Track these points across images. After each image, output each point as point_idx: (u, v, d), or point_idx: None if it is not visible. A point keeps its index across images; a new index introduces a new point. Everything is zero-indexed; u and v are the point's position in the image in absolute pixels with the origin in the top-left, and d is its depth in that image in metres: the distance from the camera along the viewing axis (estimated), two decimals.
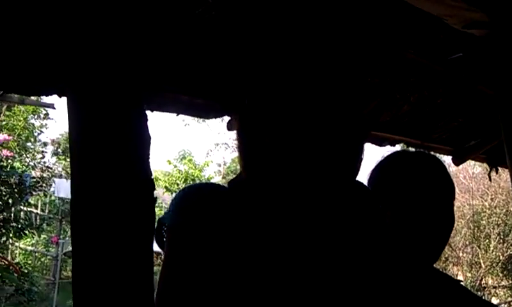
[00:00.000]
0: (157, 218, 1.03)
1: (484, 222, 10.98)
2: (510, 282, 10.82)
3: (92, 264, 1.01)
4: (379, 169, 1.38)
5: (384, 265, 1.02)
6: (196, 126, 22.60)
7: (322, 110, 0.88)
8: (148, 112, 1.53)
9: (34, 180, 7.05)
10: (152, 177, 1.08)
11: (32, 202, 10.21)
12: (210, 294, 0.90)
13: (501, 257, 10.75)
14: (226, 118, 1.92)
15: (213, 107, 1.81)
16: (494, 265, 10.78)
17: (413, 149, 2.68)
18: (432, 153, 2.86)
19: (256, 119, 0.93)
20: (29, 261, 12.79)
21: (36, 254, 13.45)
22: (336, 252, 0.95)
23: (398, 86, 2.19)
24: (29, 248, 13.09)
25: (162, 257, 0.97)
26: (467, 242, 11.00)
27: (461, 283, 1.43)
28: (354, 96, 0.93)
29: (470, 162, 11.61)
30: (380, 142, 2.62)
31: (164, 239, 0.97)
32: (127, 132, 1.02)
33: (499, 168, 3.26)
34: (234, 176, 1.08)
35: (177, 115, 1.77)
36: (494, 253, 10.74)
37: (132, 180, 1.04)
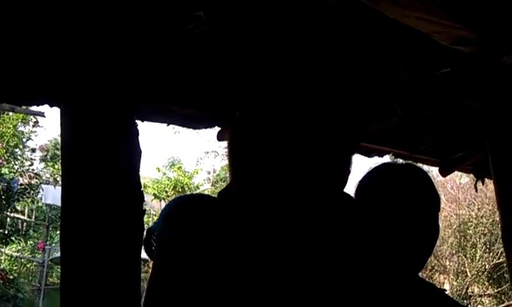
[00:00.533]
0: (145, 226, 1.04)
1: (470, 231, 11.09)
2: (495, 290, 10.92)
3: (81, 271, 1.01)
4: (366, 181, 1.40)
5: (370, 274, 1.04)
6: (186, 133, 22.60)
7: (312, 124, 0.90)
8: (138, 122, 1.55)
9: (22, 186, 7.00)
10: (142, 190, 1.09)
11: (19, 208, 10.12)
12: (197, 305, 0.90)
13: (487, 266, 10.85)
14: (217, 128, 1.93)
15: (204, 117, 1.82)
16: (480, 273, 10.88)
17: (400, 161, 2.71)
18: (419, 164, 2.90)
19: (247, 133, 0.95)
20: (15, 268, 12.64)
21: (22, 260, 13.29)
22: (324, 263, 0.97)
23: (387, 99, 2.23)
24: (15, 254, 12.94)
25: (151, 265, 0.98)
26: (453, 251, 11.09)
27: (446, 292, 1.46)
28: (343, 110, 0.95)
29: (458, 173, 11.70)
30: (368, 154, 2.65)
31: (153, 248, 0.98)
32: (119, 144, 1.03)
33: (485, 179, 3.31)
34: (224, 183, 1.09)
35: (168, 125, 1.78)
36: (480, 262, 10.84)
37: (122, 191, 1.05)
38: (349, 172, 0.95)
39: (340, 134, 0.93)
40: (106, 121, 1.04)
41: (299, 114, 0.90)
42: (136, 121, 1.14)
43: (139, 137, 1.10)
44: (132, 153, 1.07)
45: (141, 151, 1.08)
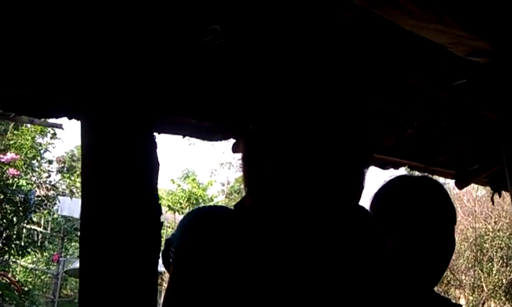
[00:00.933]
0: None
1: (487, 245, 10.93)
2: None
3: (98, 281, 1.02)
4: (382, 194, 1.40)
5: (386, 288, 1.03)
6: (201, 145, 22.69)
7: (327, 137, 0.90)
8: (155, 134, 1.56)
9: (39, 198, 7.08)
10: (159, 202, 1.09)
11: (35, 219, 10.22)
12: None
13: (504, 281, 10.66)
14: (232, 140, 1.94)
15: (219, 129, 1.83)
16: (497, 288, 10.69)
17: (416, 174, 2.69)
18: (435, 176, 2.88)
19: (260, 145, 0.95)
20: (29, 279, 12.74)
21: (37, 272, 13.39)
22: (339, 277, 0.97)
23: (402, 110, 2.22)
24: (30, 266, 13.05)
25: (167, 277, 0.98)
26: (470, 265, 10.92)
27: None
28: (358, 123, 0.95)
29: (474, 185, 11.56)
30: (384, 166, 2.63)
31: (171, 260, 0.98)
32: (138, 157, 1.04)
33: (502, 192, 3.26)
34: (238, 195, 1.09)
35: (183, 137, 1.80)
36: (497, 277, 10.66)
37: (141, 204, 1.06)
38: (362, 186, 0.95)
39: (355, 148, 0.93)
40: (125, 134, 1.05)
41: (313, 127, 0.90)
42: (154, 133, 1.15)
43: (157, 150, 1.11)
44: (151, 166, 1.08)
45: (158, 164, 1.09)
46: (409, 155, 2.64)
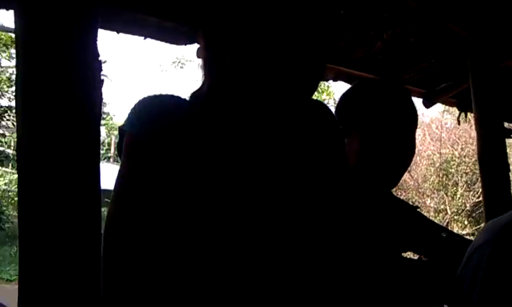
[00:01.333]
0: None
1: (452, 170, 11.30)
2: (473, 228, 11.25)
3: (39, 185, 0.93)
4: (346, 96, 1.40)
5: (342, 180, 1.05)
6: (173, 72, 22.22)
7: (285, 30, 0.88)
8: (114, 34, 1.49)
9: (2, 108, 6.94)
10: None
11: (4, 141, 10.03)
12: (167, 207, 0.90)
13: (467, 205, 11.13)
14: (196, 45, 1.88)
15: (183, 31, 1.77)
16: (460, 211, 11.18)
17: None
18: None
19: (219, 35, 0.93)
20: (3, 200, 12.73)
21: (10, 193, 13.32)
22: (298, 164, 0.98)
23: (372, 21, 2.18)
24: (3, 187, 12.99)
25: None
26: (435, 190, 11.33)
27: (418, 210, 1.48)
28: (319, 18, 0.93)
29: (444, 114, 11.79)
30: (351, 81, 2.63)
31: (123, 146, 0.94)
32: (77, 57, 0.95)
33: (470, 118, 3.31)
34: None
35: (144, 39, 1.73)
36: (460, 200, 11.12)
37: (79, 112, 0.96)
38: (319, 78, 0.95)
39: (314, 40, 0.91)
40: (64, 28, 0.95)
41: (272, 20, 0.88)
42: (97, 25, 1.04)
43: (97, 44, 1.01)
44: (93, 65, 0.98)
45: (100, 62, 1.00)
46: (377, 70, 2.63)
